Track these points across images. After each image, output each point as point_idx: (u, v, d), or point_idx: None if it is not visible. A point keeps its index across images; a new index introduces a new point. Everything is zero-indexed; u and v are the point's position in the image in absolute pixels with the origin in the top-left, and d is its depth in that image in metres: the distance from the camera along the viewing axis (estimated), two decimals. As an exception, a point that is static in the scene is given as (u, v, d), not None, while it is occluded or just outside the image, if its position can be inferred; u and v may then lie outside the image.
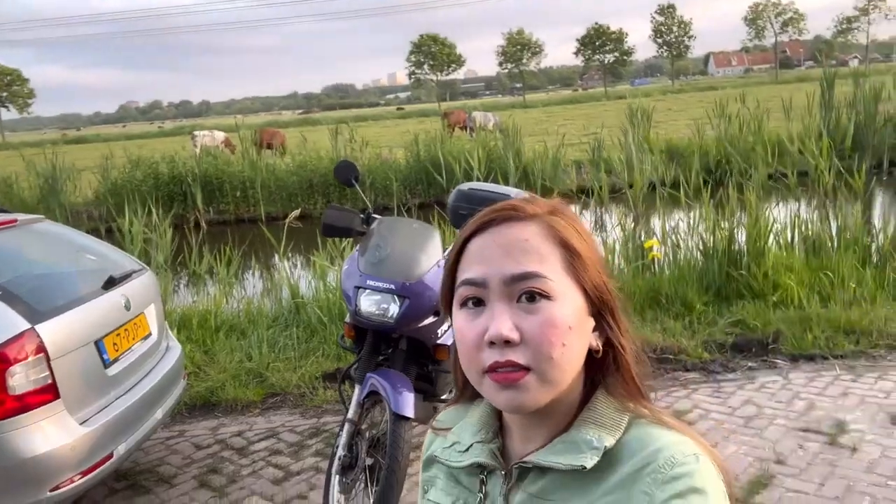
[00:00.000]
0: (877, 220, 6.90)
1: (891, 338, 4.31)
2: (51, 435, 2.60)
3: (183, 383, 3.67)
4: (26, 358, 2.55)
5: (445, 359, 2.97)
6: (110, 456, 2.82)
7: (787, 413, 3.56)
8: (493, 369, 0.75)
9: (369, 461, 2.68)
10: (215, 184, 14.13)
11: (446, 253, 2.79)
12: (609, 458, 0.75)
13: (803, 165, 7.62)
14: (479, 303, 0.78)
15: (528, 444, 0.82)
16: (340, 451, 2.67)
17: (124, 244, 6.85)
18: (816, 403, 3.64)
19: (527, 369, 0.74)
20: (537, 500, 0.79)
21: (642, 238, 6.20)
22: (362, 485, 2.67)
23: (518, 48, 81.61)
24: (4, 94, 75.06)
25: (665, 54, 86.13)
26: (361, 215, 3.16)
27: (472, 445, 0.85)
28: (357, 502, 2.66)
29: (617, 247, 6.14)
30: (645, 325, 4.75)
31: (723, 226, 5.50)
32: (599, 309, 0.81)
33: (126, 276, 3.33)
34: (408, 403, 2.63)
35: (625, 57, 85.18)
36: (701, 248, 5.63)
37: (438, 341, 2.96)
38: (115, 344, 3.05)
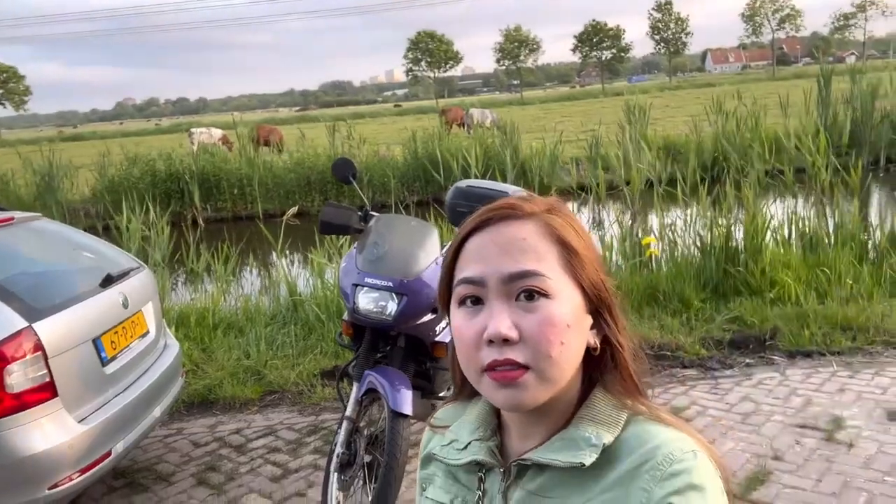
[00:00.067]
0: (873, 217, 6.92)
1: (887, 334, 4.32)
2: (49, 433, 2.60)
3: (181, 381, 3.67)
4: (24, 356, 2.55)
5: (443, 356, 2.97)
6: (108, 454, 2.82)
7: (784, 409, 3.57)
8: (491, 368, 0.75)
9: (367, 458, 2.69)
10: (213, 181, 14.12)
11: (444, 250, 2.80)
12: (607, 456, 0.76)
13: (800, 162, 7.62)
14: (477, 301, 0.78)
15: (526, 442, 0.82)
16: (339, 449, 2.67)
17: (122, 242, 6.84)
18: (813, 400, 3.65)
19: (526, 368, 0.75)
20: (536, 497, 0.79)
21: (640, 235, 6.21)
22: (361, 482, 2.67)
23: (515, 45, 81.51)
24: (0, 91, 74.86)
25: (662, 51, 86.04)
26: (359, 213, 3.16)
27: (470, 443, 0.86)
28: (355, 499, 2.66)
29: (615, 244, 6.15)
30: (642, 322, 4.76)
31: (720, 223, 5.51)
32: (597, 306, 0.81)
33: (124, 274, 3.33)
34: (406, 401, 2.63)
35: (622, 54, 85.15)
36: (698, 244, 5.63)
37: (436, 339, 2.97)
38: (112, 342, 3.05)
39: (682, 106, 26.03)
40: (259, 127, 19.66)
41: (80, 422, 2.73)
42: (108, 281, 3.16)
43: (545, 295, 0.76)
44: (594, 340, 0.81)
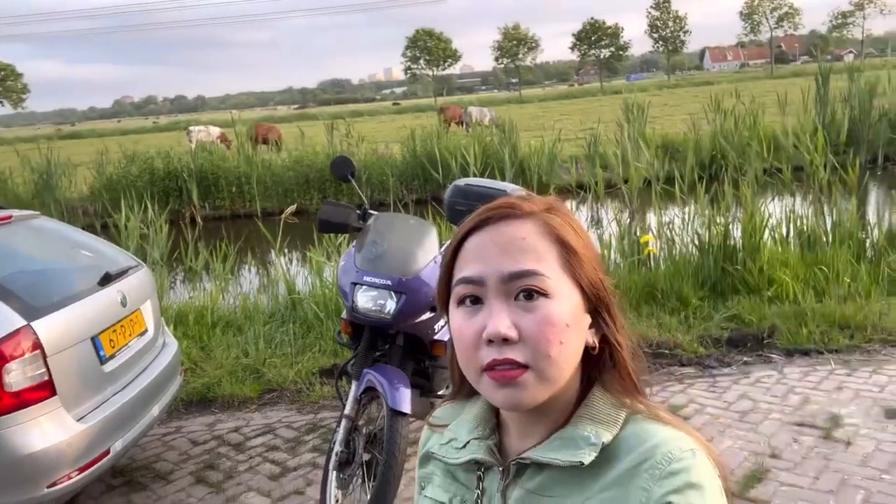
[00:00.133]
0: (871, 215, 6.92)
1: (885, 332, 4.33)
2: (48, 432, 2.60)
3: (179, 379, 3.67)
4: (22, 355, 2.55)
5: (442, 355, 2.97)
6: (107, 452, 2.82)
7: (782, 407, 3.58)
8: (491, 367, 0.75)
9: (366, 457, 2.69)
10: (211, 179, 14.10)
11: (443, 249, 2.80)
12: (606, 454, 0.76)
13: (798, 160, 7.63)
14: (476, 301, 0.78)
15: (525, 441, 0.82)
16: (337, 447, 2.67)
17: (120, 240, 6.84)
18: (811, 398, 3.66)
19: (525, 367, 0.75)
20: (535, 496, 0.79)
21: (638, 233, 6.21)
22: (359, 480, 2.68)
23: (514, 43, 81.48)
24: (-1, 89, 74.76)
25: (661, 49, 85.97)
26: (358, 211, 3.16)
27: (469, 442, 0.86)
28: (354, 498, 2.67)
29: (613, 242, 6.15)
30: (641, 321, 4.76)
31: (718, 221, 5.51)
32: (595, 306, 0.81)
33: (122, 273, 3.33)
34: (404, 399, 2.63)
35: (620, 52, 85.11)
36: (696, 243, 5.64)
37: (435, 337, 2.97)
38: (111, 340, 3.05)
39: (680, 104, 26.03)
40: (257, 125, 19.64)
41: (78, 420, 2.73)
42: (106, 279, 3.16)
43: (544, 294, 0.76)
44: (593, 339, 0.81)
